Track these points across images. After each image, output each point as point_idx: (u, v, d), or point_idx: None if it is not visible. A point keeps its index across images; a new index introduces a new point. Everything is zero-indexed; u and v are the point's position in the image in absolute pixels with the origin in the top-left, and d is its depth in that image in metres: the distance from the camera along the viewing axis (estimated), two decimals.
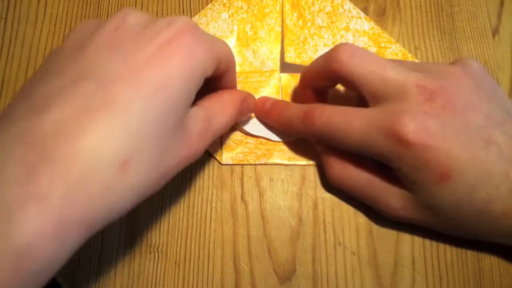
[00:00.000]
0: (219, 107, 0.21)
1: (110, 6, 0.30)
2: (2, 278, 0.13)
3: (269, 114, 0.25)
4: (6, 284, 0.13)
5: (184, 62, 0.17)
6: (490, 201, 0.19)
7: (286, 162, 0.26)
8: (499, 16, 0.29)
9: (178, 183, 0.25)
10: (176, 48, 0.17)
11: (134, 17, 0.18)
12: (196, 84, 0.18)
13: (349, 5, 0.29)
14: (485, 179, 0.19)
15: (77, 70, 0.16)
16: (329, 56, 0.22)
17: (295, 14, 0.29)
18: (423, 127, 0.19)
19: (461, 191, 0.20)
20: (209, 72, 0.19)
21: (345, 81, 0.22)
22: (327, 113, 0.22)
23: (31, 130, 0.14)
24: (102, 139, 0.14)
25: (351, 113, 0.21)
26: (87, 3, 0.30)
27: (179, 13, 0.29)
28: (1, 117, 0.16)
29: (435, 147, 0.19)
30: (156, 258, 0.24)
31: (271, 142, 0.26)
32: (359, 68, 0.21)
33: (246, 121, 0.26)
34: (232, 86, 0.23)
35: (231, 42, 0.28)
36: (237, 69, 0.28)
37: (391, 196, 0.22)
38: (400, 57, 0.28)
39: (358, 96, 0.22)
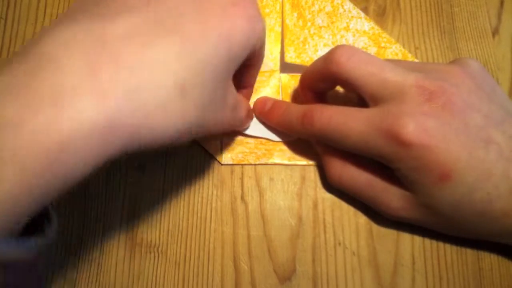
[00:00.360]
0: (244, 105, 0.22)
1: None
2: (35, 164, 0.12)
3: (269, 115, 0.25)
4: (36, 173, 0.12)
5: (244, 27, 0.17)
6: (490, 201, 0.19)
7: (286, 162, 0.26)
8: (499, 16, 0.29)
9: (178, 183, 0.25)
10: (239, 12, 0.17)
11: None
12: (244, 53, 0.18)
13: (349, 5, 0.29)
14: (485, 179, 0.19)
15: None
16: (328, 58, 0.22)
17: (295, 14, 0.29)
18: (422, 128, 0.19)
19: (461, 191, 0.20)
20: (253, 49, 0.19)
21: (344, 83, 0.22)
22: (326, 114, 0.22)
23: (99, 31, 0.14)
24: (170, 58, 0.15)
25: (350, 114, 0.21)
26: None
27: None
28: (59, 19, 0.16)
29: (434, 147, 0.19)
30: (156, 258, 0.24)
31: (271, 142, 0.26)
32: (358, 70, 0.21)
33: None
34: (253, 83, 0.24)
35: None
36: None
37: (391, 196, 0.22)
38: (400, 57, 0.28)
39: (358, 97, 0.22)
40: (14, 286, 0.13)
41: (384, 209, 0.23)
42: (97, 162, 0.14)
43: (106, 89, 0.13)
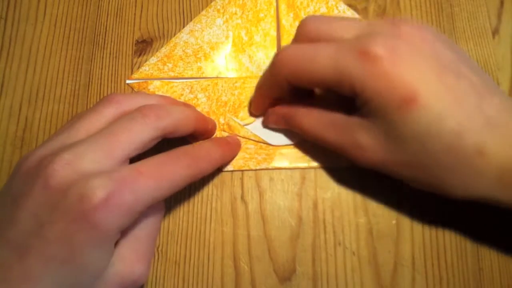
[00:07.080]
0: None
1: (110, 6, 0.30)
2: None
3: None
4: None
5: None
6: (460, 132, 0.18)
7: (286, 165, 0.26)
8: (499, 16, 0.29)
9: None
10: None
11: None
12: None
13: (343, 6, 0.29)
14: (455, 107, 0.18)
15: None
16: (272, 66, 0.23)
17: (291, 15, 0.29)
18: (391, 45, 0.19)
19: (428, 119, 0.18)
20: None
21: (302, 83, 0.22)
22: (293, 56, 0.22)
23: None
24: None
25: (319, 45, 0.21)
26: (87, 3, 0.30)
27: (179, 14, 0.29)
28: None
29: (400, 63, 0.18)
30: (156, 258, 0.24)
31: (271, 147, 0.26)
32: (301, 65, 0.21)
33: (248, 124, 0.26)
34: None
35: (227, 48, 0.28)
36: (234, 75, 0.28)
37: (357, 132, 0.21)
38: None
39: (346, 97, 0.21)
40: None
41: (354, 152, 0.21)
42: None
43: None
